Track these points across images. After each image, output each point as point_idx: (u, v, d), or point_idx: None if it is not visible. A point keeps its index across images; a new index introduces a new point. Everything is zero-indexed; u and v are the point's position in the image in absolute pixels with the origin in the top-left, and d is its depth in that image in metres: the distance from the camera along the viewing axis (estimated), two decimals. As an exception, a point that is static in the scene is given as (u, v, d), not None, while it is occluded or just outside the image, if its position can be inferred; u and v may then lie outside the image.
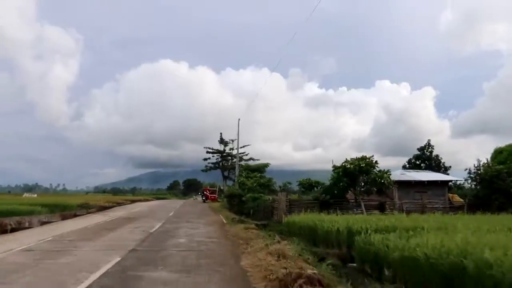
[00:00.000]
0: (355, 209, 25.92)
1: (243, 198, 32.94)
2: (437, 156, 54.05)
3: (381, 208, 26.58)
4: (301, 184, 41.40)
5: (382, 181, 24.82)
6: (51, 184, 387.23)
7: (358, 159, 25.39)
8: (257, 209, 30.98)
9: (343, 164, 25.89)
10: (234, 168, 57.67)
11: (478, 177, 29.25)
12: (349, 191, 28.47)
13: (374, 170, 25.42)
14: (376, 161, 25.68)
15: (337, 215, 21.29)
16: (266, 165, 38.58)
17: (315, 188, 42.98)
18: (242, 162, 53.39)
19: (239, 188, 36.19)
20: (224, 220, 25.41)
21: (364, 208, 25.65)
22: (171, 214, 32.09)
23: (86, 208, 34.99)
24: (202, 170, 59.22)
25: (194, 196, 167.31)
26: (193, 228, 20.53)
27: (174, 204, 56.18)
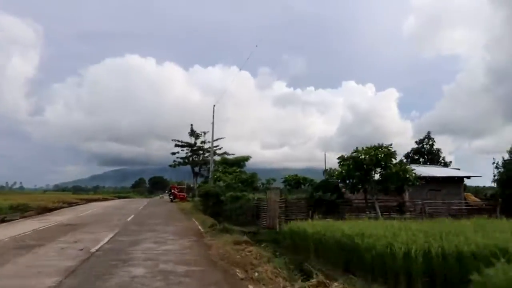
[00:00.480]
0: (367, 212, 20.19)
1: (222, 198, 26.62)
2: (438, 150, 49.55)
3: (400, 210, 20.97)
4: (286, 181, 35.48)
5: (407, 176, 19.16)
6: (6, 182, 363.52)
7: (373, 148, 19.59)
8: (239, 211, 24.76)
9: (355, 155, 20.01)
10: (206, 163, 51.15)
11: (504, 175, 24.42)
12: (355, 190, 22.59)
13: (394, 162, 19.74)
14: (395, 151, 20.01)
15: (343, 220, 15.62)
16: (247, 158, 32.26)
17: (303, 186, 37.31)
18: (216, 157, 47.06)
19: (215, 186, 29.75)
20: (200, 228, 19.03)
21: (379, 210, 19.95)
22: (130, 218, 25.20)
23: (21, 211, 27.50)
24: (170, 166, 51.81)
25: (160, 195, 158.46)
26: (159, 242, 13.97)
27: (137, 204, 48.67)
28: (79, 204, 44.81)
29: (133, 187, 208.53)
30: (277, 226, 19.92)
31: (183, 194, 52.53)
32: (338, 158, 21.44)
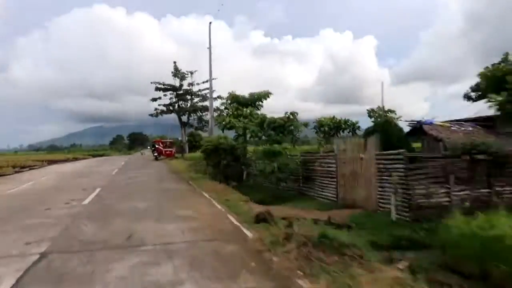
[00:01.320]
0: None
1: (246, 155, 16.23)
2: None
3: None
4: (322, 126, 25.28)
5: None
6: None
7: None
8: (282, 176, 14.46)
9: None
10: (196, 111, 40.03)
11: None
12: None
13: None
14: None
15: None
16: (267, 94, 21.36)
17: (342, 132, 27.17)
18: (215, 103, 36.39)
19: (225, 137, 19.05)
20: (237, 223, 8.58)
21: None
22: (89, 198, 13.85)
23: None
24: (151, 115, 40.03)
25: (141, 151, 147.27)
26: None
27: (111, 165, 37.09)
28: (33, 168, 33.52)
29: (111, 143, 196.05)
30: (376, 204, 9.91)
31: (170, 150, 41.97)
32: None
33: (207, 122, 39.16)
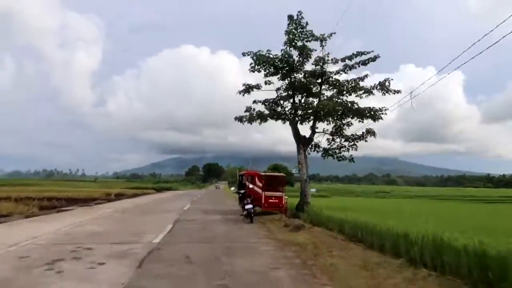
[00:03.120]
0: None
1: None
2: None
3: None
4: None
5: None
6: (70, 170, 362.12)
7: None
8: None
9: None
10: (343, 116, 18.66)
11: None
12: None
13: None
14: None
15: None
16: None
17: None
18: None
19: None
20: None
21: None
22: None
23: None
24: (239, 119, 19.50)
25: (215, 184, 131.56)
26: None
27: (165, 212, 18.72)
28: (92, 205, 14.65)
29: (187, 174, 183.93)
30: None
31: (279, 194, 17.58)
32: None
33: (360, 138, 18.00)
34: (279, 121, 19.37)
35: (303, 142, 18.31)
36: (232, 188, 28.43)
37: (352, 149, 18.94)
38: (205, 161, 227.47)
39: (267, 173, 20.76)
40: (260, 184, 17.21)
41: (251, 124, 18.97)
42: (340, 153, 19.01)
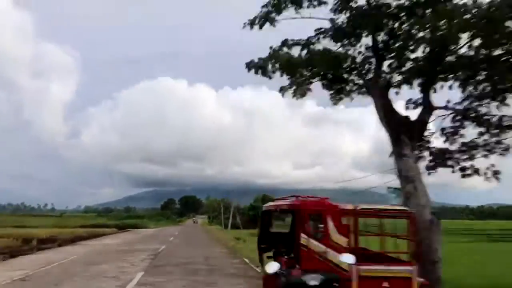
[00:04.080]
0: None
1: None
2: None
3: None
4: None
5: None
6: (38, 204, 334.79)
7: None
8: None
9: None
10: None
11: None
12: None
13: None
14: None
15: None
16: None
17: None
18: None
19: None
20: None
21: None
22: None
23: None
24: (250, 65, 9.41)
25: (193, 218, 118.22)
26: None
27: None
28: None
29: (163, 208, 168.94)
30: None
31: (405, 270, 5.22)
32: None
33: None
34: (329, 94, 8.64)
35: (408, 130, 7.60)
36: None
37: (496, 151, 8.33)
38: (183, 194, 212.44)
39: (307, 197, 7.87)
40: (343, 239, 5.81)
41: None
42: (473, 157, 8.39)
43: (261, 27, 8.10)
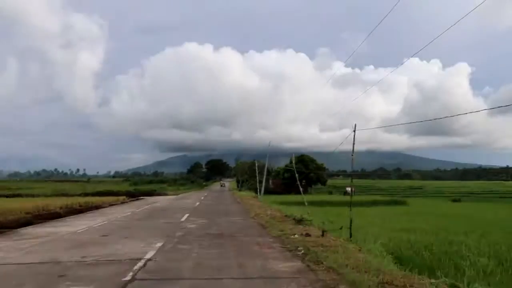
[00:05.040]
0: None
1: None
2: None
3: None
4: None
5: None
6: (70, 170, 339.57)
7: None
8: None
9: None
10: None
11: None
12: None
13: None
14: None
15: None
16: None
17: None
18: None
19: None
20: None
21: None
22: None
23: None
24: None
25: (220, 182, 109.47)
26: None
27: None
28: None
29: (189, 172, 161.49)
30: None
31: None
32: None
33: None
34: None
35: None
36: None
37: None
38: (211, 158, 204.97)
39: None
40: None
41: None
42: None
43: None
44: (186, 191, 62.59)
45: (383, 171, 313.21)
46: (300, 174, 73.02)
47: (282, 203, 33.67)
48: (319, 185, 71.21)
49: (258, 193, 42.67)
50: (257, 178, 45.54)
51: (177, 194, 47.00)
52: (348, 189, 70.40)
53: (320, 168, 66.12)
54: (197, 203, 28.23)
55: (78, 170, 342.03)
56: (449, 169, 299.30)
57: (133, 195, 44.00)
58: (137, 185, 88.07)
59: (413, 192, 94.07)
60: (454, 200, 49.40)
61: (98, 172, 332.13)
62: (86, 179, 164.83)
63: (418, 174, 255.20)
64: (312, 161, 66.84)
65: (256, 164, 47.87)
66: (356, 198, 40.71)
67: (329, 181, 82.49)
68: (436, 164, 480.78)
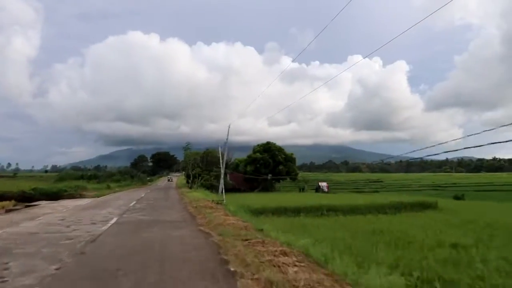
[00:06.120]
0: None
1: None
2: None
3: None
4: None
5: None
6: (1, 164, 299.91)
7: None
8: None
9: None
10: None
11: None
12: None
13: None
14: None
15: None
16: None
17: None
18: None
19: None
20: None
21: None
22: None
23: None
24: None
25: (168, 176, 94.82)
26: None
27: None
28: None
29: (133, 166, 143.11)
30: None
31: None
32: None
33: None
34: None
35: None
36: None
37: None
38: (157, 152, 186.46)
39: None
40: None
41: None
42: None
43: None
44: (120, 189, 47.64)
45: (332, 163, 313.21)
46: (266, 167, 60.03)
47: (259, 212, 21.06)
48: (288, 179, 59.79)
49: (220, 193, 29.58)
50: (222, 170, 32.33)
51: (98, 196, 32.30)
52: (322, 184, 59.97)
53: (290, 159, 54.72)
54: (114, 219, 14.56)
55: (9, 164, 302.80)
56: (393, 162, 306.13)
57: (29, 199, 28.92)
58: (63, 180, 70.95)
59: (378, 186, 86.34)
60: (456, 197, 40.32)
61: (33, 167, 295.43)
62: (12, 174, 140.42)
63: (366, 167, 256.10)
64: (280, 150, 55.15)
65: (220, 151, 34.35)
66: (365, 199, 29.39)
67: (301, 174, 71.58)
68: (379, 157, 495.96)
